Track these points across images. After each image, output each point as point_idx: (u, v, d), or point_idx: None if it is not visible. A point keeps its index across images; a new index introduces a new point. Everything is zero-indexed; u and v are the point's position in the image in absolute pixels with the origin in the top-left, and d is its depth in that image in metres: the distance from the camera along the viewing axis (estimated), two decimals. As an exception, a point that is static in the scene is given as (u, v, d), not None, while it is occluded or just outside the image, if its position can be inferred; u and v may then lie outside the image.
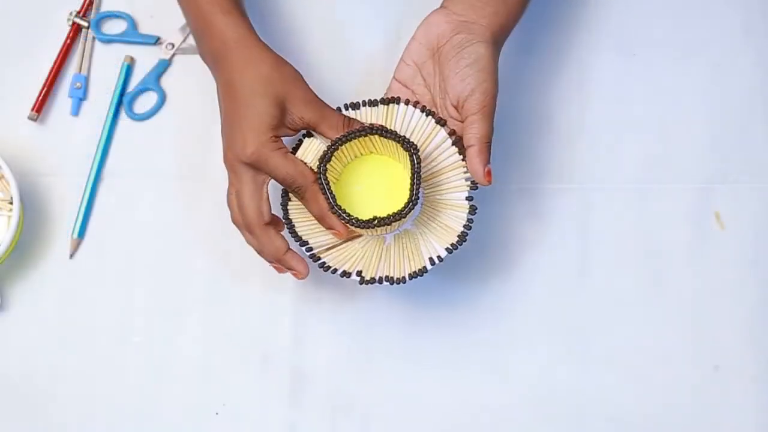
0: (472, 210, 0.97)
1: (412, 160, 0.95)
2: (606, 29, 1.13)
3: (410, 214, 0.95)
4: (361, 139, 0.96)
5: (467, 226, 0.97)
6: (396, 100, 1.00)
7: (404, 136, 0.96)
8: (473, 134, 0.96)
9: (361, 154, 0.99)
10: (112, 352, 1.06)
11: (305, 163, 0.97)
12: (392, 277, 0.97)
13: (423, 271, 0.97)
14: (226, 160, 0.97)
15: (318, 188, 0.96)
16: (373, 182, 0.99)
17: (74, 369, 1.05)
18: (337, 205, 0.95)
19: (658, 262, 1.08)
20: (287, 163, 0.96)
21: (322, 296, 1.07)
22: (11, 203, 1.05)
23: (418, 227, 0.99)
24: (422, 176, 0.98)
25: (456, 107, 0.98)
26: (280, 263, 0.98)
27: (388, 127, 0.97)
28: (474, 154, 0.96)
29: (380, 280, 0.97)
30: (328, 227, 0.97)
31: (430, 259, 0.97)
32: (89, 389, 1.05)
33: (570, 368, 1.05)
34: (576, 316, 1.06)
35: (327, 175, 0.96)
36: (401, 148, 0.96)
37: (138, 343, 1.06)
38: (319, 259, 0.98)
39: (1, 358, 1.06)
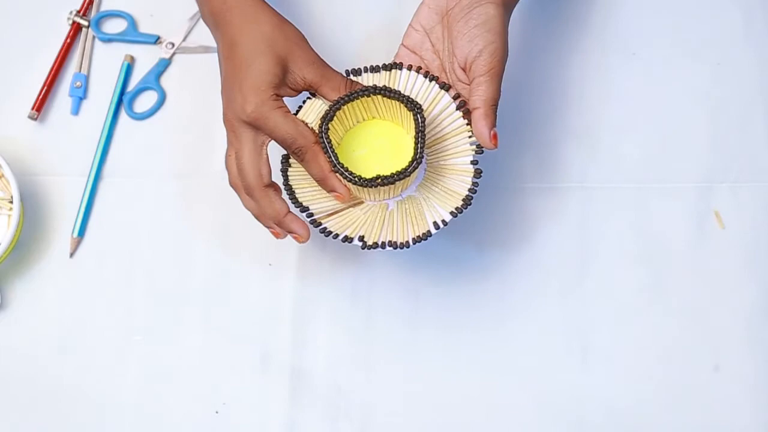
0: (477, 174, 0.95)
1: (416, 119, 0.92)
2: (606, 29, 1.13)
3: (414, 175, 0.93)
4: (363, 100, 0.94)
5: (472, 190, 0.94)
6: (398, 66, 0.97)
7: (408, 95, 0.93)
8: (479, 96, 0.94)
9: (364, 119, 0.97)
10: (112, 351, 1.06)
11: (306, 124, 0.95)
12: (395, 242, 0.94)
13: (427, 235, 0.94)
14: (226, 120, 0.95)
15: (319, 149, 0.93)
16: (376, 147, 0.96)
17: (74, 369, 1.05)
18: (339, 163, 0.92)
19: (658, 262, 1.08)
20: (287, 122, 0.93)
21: (322, 295, 1.07)
22: (11, 202, 1.05)
23: (421, 193, 0.97)
24: (426, 142, 0.94)
25: (464, 69, 0.95)
26: (280, 226, 0.96)
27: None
28: (479, 117, 0.93)
29: (383, 245, 0.94)
30: (330, 190, 0.94)
31: (435, 223, 0.95)
32: (89, 389, 1.05)
33: (570, 368, 1.05)
34: (576, 316, 1.06)
35: (329, 136, 0.93)
36: (405, 109, 0.93)
37: (138, 342, 1.06)
38: (320, 224, 0.96)
39: (1, 357, 1.06)
